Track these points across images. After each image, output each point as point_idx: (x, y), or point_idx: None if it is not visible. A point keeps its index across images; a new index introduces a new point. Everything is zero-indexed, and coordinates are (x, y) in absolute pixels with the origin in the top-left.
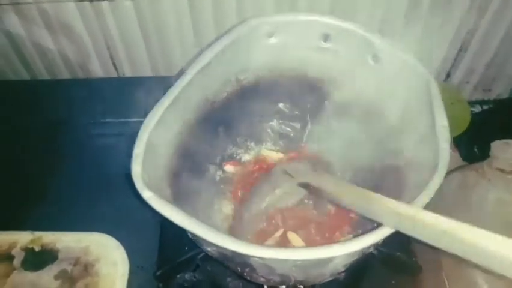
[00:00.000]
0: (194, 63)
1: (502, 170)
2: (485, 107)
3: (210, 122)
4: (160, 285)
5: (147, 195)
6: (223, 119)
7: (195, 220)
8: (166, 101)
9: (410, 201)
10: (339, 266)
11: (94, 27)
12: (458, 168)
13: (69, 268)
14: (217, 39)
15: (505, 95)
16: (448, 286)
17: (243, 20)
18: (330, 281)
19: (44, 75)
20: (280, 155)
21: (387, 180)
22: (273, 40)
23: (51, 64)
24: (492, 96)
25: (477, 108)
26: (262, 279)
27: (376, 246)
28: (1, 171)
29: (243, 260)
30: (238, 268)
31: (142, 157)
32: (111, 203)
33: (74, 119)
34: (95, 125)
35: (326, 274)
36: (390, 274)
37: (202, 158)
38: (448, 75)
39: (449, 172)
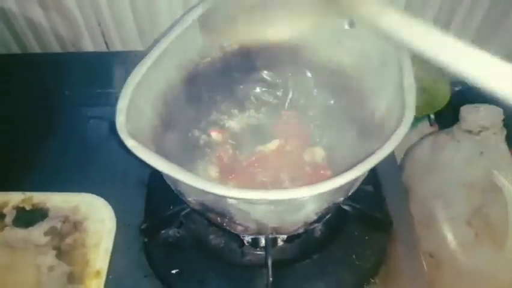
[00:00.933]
0: (175, 26)
1: (470, 132)
2: (467, 86)
3: (195, 86)
4: (145, 239)
5: (131, 143)
6: (207, 84)
7: (176, 165)
8: (148, 61)
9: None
10: (311, 212)
11: (85, 3)
12: (431, 133)
13: (58, 225)
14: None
15: None
16: (418, 242)
17: None
18: (308, 237)
19: (36, 50)
20: (275, 144)
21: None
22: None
23: (43, 39)
24: None
25: (458, 87)
26: (240, 228)
27: (345, 194)
28: None
29: (221, 207)
30: (218, 218)
31: (125, 112)
32: (101, 166)
33: (66, 89)
34: (85, 95)
35: (299, 221)
36: (364, 230)
37: (187, 120)
38: None
39: (423, 137)
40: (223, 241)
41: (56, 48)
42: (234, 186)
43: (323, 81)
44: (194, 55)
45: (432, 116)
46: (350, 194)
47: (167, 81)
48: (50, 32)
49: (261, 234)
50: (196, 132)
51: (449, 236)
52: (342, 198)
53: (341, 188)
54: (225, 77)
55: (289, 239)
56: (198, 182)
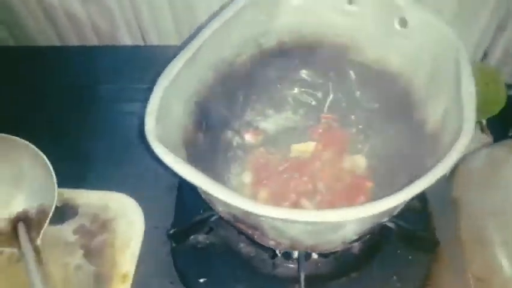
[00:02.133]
0: (211, 22)
1: None
2: None
3: (229, 85)
4: (174, 244)
5: (159, 150)
6: (242, 83)
7: (205, 176)
8: (181, 60)
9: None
10: (350, 233)
11: None
12: (487, 145)
13: (88, 223)
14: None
15: None
16: (467, 264)
17: None
18: (345, 252)
19: (74, 42)
20: (312, 146)
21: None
22: (296, 1)
23: (81, 31)
24: None
25: None
26: (272, 243)
27: (389, 215)
28: (31, 129)
29: (252, 221)
30: (249, 231)
31: (156, 114)
32: (133, 165)
33: (103, 83)
34: (123, 91)
35: (336, 241)
36: (407, 249)
37: (220, 121)
38: (485, 55)
39: (478, 149)
40: (254, 250)
41: (93, 40)
42: (266, 196)
43: (368, 84)
44: (229, 52)
45: (484, 122)
46: (395, 213)
47: (201, 80)
48: (87, 23)
49: (294, 249)
50: (230, 134)
51: (504, 261)
52: (386, 219)
53: (386, 210)
54: (261, 76)
55: (325, 254)
56: (225, 195)
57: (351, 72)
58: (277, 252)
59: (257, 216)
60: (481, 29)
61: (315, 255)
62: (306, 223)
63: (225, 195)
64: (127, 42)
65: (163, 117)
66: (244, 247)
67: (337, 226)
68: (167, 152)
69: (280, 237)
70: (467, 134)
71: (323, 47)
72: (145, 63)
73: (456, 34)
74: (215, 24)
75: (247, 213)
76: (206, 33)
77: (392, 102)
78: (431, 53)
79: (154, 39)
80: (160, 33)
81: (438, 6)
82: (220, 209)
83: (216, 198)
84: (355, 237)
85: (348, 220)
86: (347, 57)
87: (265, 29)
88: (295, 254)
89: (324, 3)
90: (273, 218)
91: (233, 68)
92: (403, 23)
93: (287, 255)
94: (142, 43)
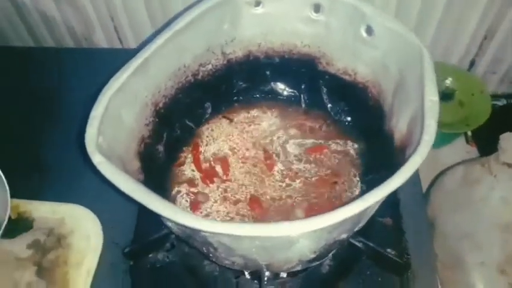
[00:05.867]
0: (166, 29)
1: (509, 165)
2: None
3: (195, 96)
4: (131, 263)
5: (97, 159)
6: (210, 94)
7: (144, 189)
8: (129, 68)
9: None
10: (305, 250)
11: None
12: (464, 161)
13: (42, 238)
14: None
15: None
16: (442, 286)
17: None
18: (313, 271)
19: (50, 43)
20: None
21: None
22: (259, 10)
23: (56, 33)
24: None
25: (502, 102)
26: (227, 262)
27: (347, 232)
28: None
29: (201, 238)
30: (204, 248)
31: (98, 123)
32: (92, 175)
33: (74, 88)
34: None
35: (292, 259)
36: (377, 270)
37: (184, 133)
38: (472, 64)
39: (454, 165)
40: (217, 269)
41: (69, 42)
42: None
43: (339, 96)
44: (190, 61)
45: (469, 134)
46: (357, 229)
47: (158, 88)
48: (62, 25)
49: (250, 269)
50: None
51: (479, 284)
52: (345, 235)
53: (338, 225)
54: (230, 87)
55: (292, 273)
56: (162, 208)
57: (322, 83)
58: (245, 271)
59: (196, 230)
60: (467, 38)
61: (284, 274)
62: (245, 237)
63: (162, 207)
64: (104, 45)
65: (111, 126)
66: (208, 265)
67: (288, 242)
68: (106, 162)
69: (231, 256)
70: (425, 147)
71: (292, 58)
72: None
73: (419, 40)
74: (166, 34)
75: (190, 229)
76: (157, 41)
77: (364, 114)
78: (398, 60)
79: (131, 43)
80: (138, 36)
81: (424, 16)
82: (169, 224)
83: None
84: (313, 256)
85: (289, 234)
86: (317, 68)
87: (230, 38)
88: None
89: (290, 12)
90: (210, 233)
91: (197, 78)
92: (369, 31)
93: (253, 274)
94: (119, 46)
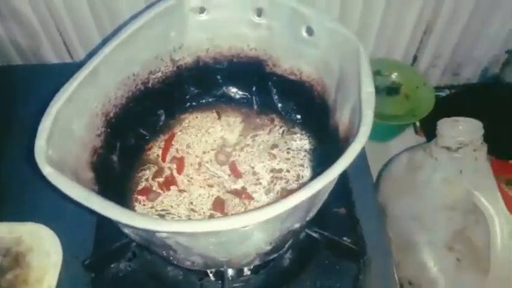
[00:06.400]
0: (114, 37)
1: (448, 148)
2: (453, 91)
3: (146, 104)
4: (93, 275)
5: (47, 171)
6: (162, 102)
7: (98, 196)
8: (76, 79)
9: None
10: (260, 242)
11: (43, 10)
12: (408, 148)
13: None
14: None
15: (474, 80)
16: (395, 271)
17: None
18: (274, 266)
19: None
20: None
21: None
22: (204, 16)
23: (3, 51)
24: (461, 81)
25: (445, 93)
26: (187, 263)
27: (298, 222)
28: None
29: (159, 241)
30: (164, 252)
31: (47, 135)
32: (49, 193)
33: (23, 104)
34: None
35: (250, 253)
36: (335, 259)
37: (138, 142)
38: (415, 59)
39: (399, 153)
40: (181, 273)
41: (16, 59)
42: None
43: (287, 95)
44: (139, 69)
45: (418, 124)
46: (308, 219)
47: (108, 98)
48: (8, 42)
49: (211, 268)
50: (150, 156)
51: (429, 262)
52: (298, 225)
53: (288, 215)
54: (181, 93)
55: (255, 270)
56: (118, 213)
57: (272, 85)
58: (209, 272)
59: (153, 232)
60: (408, 34)
61: (247, 272)
62: (200, 234)
63: (110, 211)
64: (53, 60)
65: (61, 138)
66: (171, 270)
67: (242, 235)
68: (55, 172)
69: (190, 255)
70: (362, 136)
71: (241, 61)
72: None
73: (355, 37)
74: (113, 43)
75: (147, 233)
76: (105, 50)
77: (312, 111)
78: (338, 57)
79: (82, 55)
80: (87, 48)
81: (367, 17)
82: (126, 231)
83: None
84: (269, 247)
85: (239, 226)
86: (265, 70)
87: (178, 45)
88: (228, 272)
89: (233, 17)
90: (162, 232)
91: (148, 86)
92: (309, 31)
93: (217, 275)
94: (69, 60)
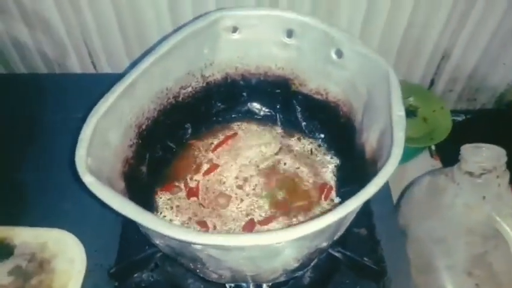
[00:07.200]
0: (151, 53)
1: (471, 174)
2: (469, 116)
3: (175, 117)
4: (116, 283)
5: (88, 179)
6: (189, 115)
7: (134, 205)
8: (117, 90)
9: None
10: (289, 259)
11: (72, 22)
12: (430, 172)
13: (24, 264)
14: (176, 30)
15: (490, 106)
16: None
17: (204, 14)
18: (294, 284)
19: (22, 70)
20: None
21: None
22: (236, 35)
23: (29, 59)
24: (477, 106)
25: (461, 117)
26: (214, 276)
27: (326, 240)
28: None
29: (190, 253)
30: (191, 264)
31: (87, 144)
32: (75, 200)
33: (49, 113)
34: (69, 121)
35: (277, 268)
36: (355, 279)
37: (166, 154)
38: (432, 83)
39: (421, 176)
40: (202, 286)
41: (42, 68)
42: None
43: (312, 114)
44: (172, 84)
45: (433, 148)
46: (336, 238)
47: (142, 111)
48: (35, 51)
49: (238, 282)
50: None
51: (448, 286)
52: (326, 244)
53: (320, 233)
54: (208, 108)
55: (275, 286)
56: (156, 224)
57: (297, 104)
58: (228, 286)
59: (187, 244)
60: (426, 58)
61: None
62: (235, 248)
63: (156, 223)
64: (77, 71)
65: (98, 148)
66: (192, 283)
67: (273, 251)
68: (96, 182)
69: (219, 268)
70: (395, 157)
71: (268, 80)
72: (95, 92)
73: (385, 61)
74: (152, 57)
75: (183, 243)
76: (143, 64)
77: (336, 131)
78: (366, 81)
79: (105, 67)
80: (111, 61)
81: (387, 38)
82: (157, 241)
83: (145, 226)
84: (296, 265)
85: (275, 242)
86: (291, 88)
87: (209, 62)
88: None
89: (264, 37)
90: (201, 245)
91: (178, 100)
92: (339, 53)
93: None
94: (93, 71)
